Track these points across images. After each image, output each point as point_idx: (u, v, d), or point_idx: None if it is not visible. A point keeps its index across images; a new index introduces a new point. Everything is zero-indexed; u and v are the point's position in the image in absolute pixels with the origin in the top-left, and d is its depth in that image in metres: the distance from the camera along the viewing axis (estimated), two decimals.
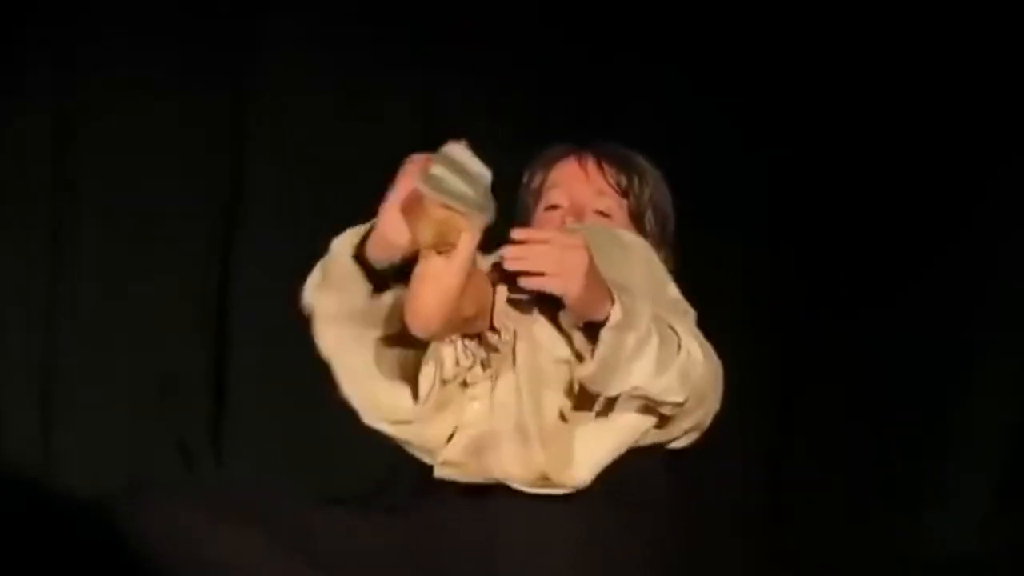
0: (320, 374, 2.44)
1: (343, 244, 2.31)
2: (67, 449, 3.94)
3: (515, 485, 2.24)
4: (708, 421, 2.34)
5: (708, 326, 2.39)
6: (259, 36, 4.05)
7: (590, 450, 2.26)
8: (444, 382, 2.28)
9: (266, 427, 4.00)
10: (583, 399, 2.24)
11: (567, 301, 2.16)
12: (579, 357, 2.21)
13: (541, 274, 2.14)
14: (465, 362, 2.26)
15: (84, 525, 2.91)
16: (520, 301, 2.20)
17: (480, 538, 2.26)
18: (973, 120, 3.90)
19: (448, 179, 2.08)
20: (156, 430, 4.01)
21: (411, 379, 2.31)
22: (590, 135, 2.66)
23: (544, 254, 2.15)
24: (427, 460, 2.30)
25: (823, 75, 3.96)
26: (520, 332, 2.22)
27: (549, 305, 2.20)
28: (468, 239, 2.09)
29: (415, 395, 2.29)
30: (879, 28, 3.94)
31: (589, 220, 2.53)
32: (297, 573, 2.30)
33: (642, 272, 2.35)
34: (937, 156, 3.92)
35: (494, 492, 2.26)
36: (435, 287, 2.11)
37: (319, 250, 2.40)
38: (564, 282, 2.15)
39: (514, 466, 2.24)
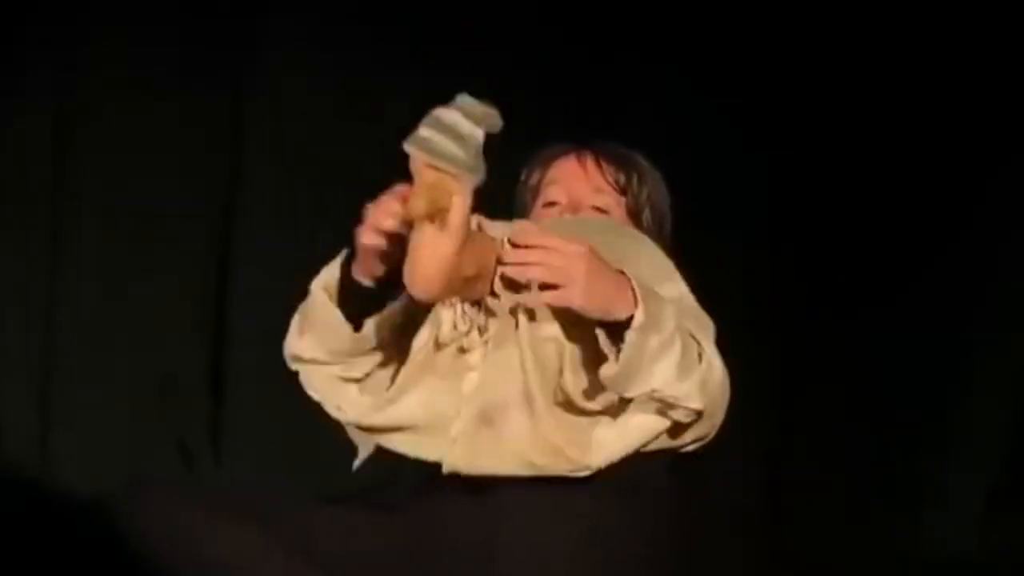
0: None
1: (319, 285, 2.33)
2: (66, 448, 3.94)
3: (522, 471, 2.23)
4: (714, 432, 2.34)
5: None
6: (259, 36, 4.05)
7: (608, 440, 2.26)
8: (440, 345, 2.27)
9: (265, 427, 4.00)
10: (589, 374, 2.24)
11: (574, 309, 2.17)
12: (601, 356, 2.21)
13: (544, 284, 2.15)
14: (463, 327, 2.26)
15: (83, 524, 2.91)
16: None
17: (480, 537, 2.26)
18: (973, 120, 3.90)
19: (436, 140, 2.08)
20: (155, 430, 4.01)
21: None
22: (590, 135, 2.67)
23: (545, 263, 2.14)
24: (432, 457, 2.29)
25: (823, 75, 3.96)
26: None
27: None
28: (459, 202, 2.09)
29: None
30: (879, 28, 3.94)
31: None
32: (297, 573, 2.30)
33: (649, 265, 2.35)
34: (937, 156, 3.92)
35: (494, 491, 2.25)
36: (432, 254, 2.11)
37: (319, 250, 2.40)
38: (567, 294, 2.15)
39: (522, 439, 2.23)
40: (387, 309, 2.28)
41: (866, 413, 3.96)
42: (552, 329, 2.24)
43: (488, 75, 3.99)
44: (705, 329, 2.31)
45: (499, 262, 2.18)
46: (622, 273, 2.19)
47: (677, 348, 2.19)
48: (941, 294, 3.93)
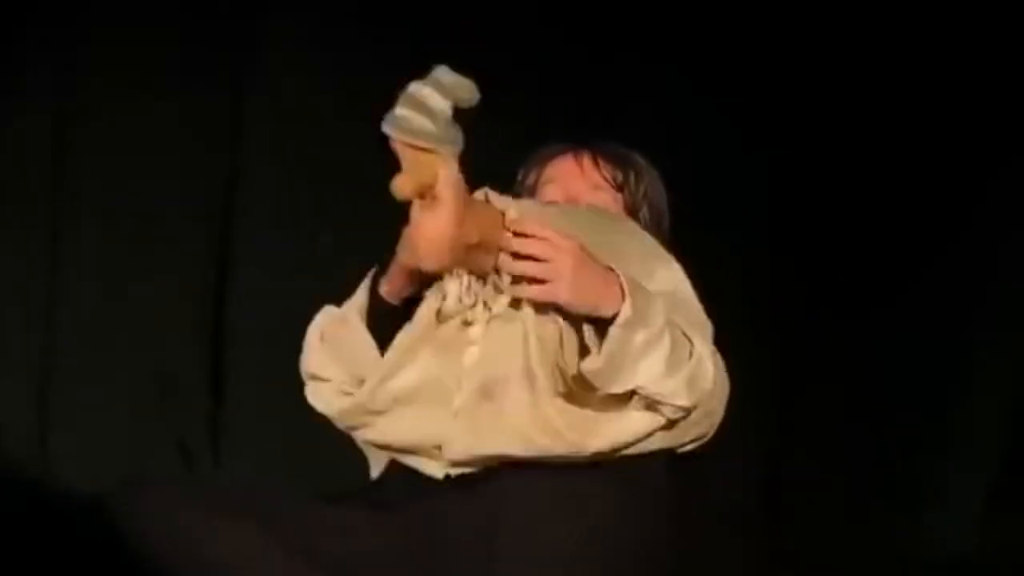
0: None
1: (353, 308, 2.33)
2: (66, 448, 3.94)
3: (522, 450, 2.23)
4: (713, 432, 2.34)
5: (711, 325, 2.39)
6: (259, 36, 4.05)
7: (608, 425, 2.25)
8: (443, 317, 2.28)
9: (265, 427, 3.99)
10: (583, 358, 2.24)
11: (565, 306, 2.17)
12: (586, 351, 2.21)
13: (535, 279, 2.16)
14: (467, 300, 2.26)
15: (83, 524, 2.91)
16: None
17: (480, 536, 2.26)
18: (973, 120, 3.90)
19: (408, 117, 2.09)
20: (155, 430, 4.00)
21: None
22: (590, 135, 2.67)
23: (536, 255, 2.14)
24: (433, 430, 2.28)
25: (823, 75, 3.96)
26: None
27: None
28: (444, 175, 2.10)
29: None
30: (879, 28, 3.94)
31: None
32: (297, 572, 2.30)
33: (643, 256, 2.36)
34: (937, 156, 3.92)
35: (493, 489, 2.25)
36: (432, 228, 2.13)
37: (318, 250, 2.41)
38: (554, 290, 2.16)
39: (522, 415, 2.23)
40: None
41: (866, 413, 3.96)
42: (556, 309, 2.25)
43: (488, 75, 3.99)
44: (699, 325, 2.31)
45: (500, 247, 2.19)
46: (611, 269, 2.20)
47: (666, 344, 2.20)
48: (941, 294, 3.93)
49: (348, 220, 3.85)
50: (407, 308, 2.31)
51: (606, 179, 2.57)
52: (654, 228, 2.56)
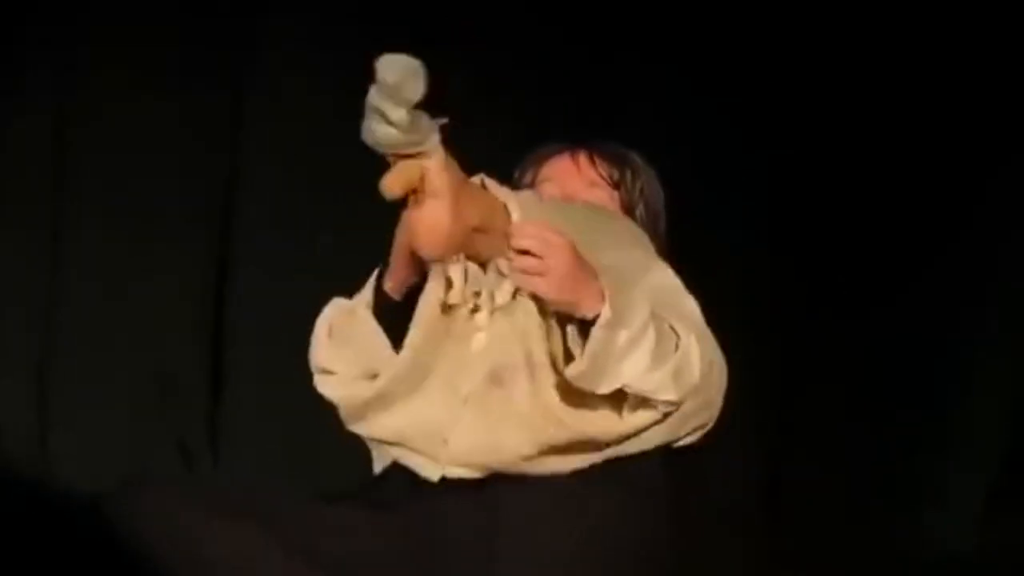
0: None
1: (361, 303, 2.33)
2: (66, 448, 3.94)
3: (528, 439, 2.23)
4: (712, 422, 2.34)
5: (708, 326, 2.39)
6: (259, 36, 4.04)
7: (612, 417, 2.26)
8: (447, 308, 2.28)
9: (265, 427, 3.99)
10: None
11: (546, 300, 2.18)
12: (570, 356, 2.22)
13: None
14: (472, 288, 2.27)
15: (83, 524, 2.90)
16: None
17: (480, 536, 2.26)
18: (973, 120, 3.90)
19: (375, 129, 2.08)
20: (154, 430, 4.00)
21: None
22: (590, 135, 2.67)
23: (531, 249, 2.15)
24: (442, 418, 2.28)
25: (823, 75, 3.96)
26: None
27: None
28: (431, 168, 2.10)
29: None
30: (879, 28, 3.94)
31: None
32: (297, 572, 2.30)
33: (636, 253, 2.36)
34: (937, 156, 3.92)
35: (493, 489, 2.26)
36: (431, 221, 2.14)
37: (318, 250, 2.41)
38: (539, 283, 2.17)
39: (527, 403, 2.23)
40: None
41: (866, 413, 3.96)
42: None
43: (488, 75, 4.00)
44: (689, 317, 2.31)
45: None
46: (595, 274, 2.21)
47: (650, 339, 2.20)
48: (941, 294, 3.93)
49: (348, 220, 3.85)
50: (411, 302, 2.31)
51: (602, 177, 2.58)
52: (650, 227, 2.56)
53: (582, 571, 2.24)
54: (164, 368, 4.02)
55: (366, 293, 2.36)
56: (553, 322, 2.24)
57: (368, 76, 2.18)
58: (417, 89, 2.06)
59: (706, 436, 2.36)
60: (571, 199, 2.55)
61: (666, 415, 2.28)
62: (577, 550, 2.23)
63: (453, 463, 2.29)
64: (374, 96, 2.07)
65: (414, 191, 2.12)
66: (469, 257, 2.24)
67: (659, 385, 2.22)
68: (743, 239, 3.98)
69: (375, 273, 2.37)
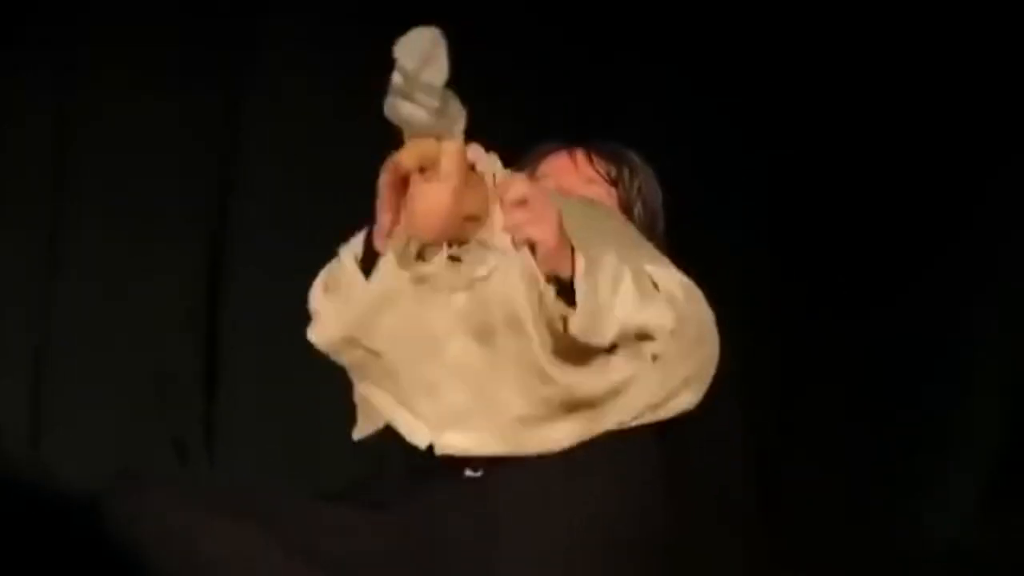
0: (315, 373, 2.44)
1: (347, 252, 2.33)
2: (61, 447, 3.93)
3: (518, 399, 2.23)
4: (708, 373, 2.32)
5: None
6: (259, 36, 4.04)
7: (600, 369, 2.25)
8: (419, 280, 2.26)
9: (261, 426, 3.99)
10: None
11: (544, 252, 2.16)
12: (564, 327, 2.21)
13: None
14: (446, 265, 2.26)
15: (80, 523, 2.90)
16: None
17: (478, 532, 2.26)
18: (973, 120, 3.90)
19: (401, 108, 2.10)
20: (151, 429, 3.99)
21: None
22: (590, 135, 2.67)
23: (523, 194, 2.17)
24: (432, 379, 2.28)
25: (823, 75, 3.96)
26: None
27: None
28: (448, 150, 2.11)
29: None
30: (879, 28, 3.94)
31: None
32: (296, 572, 2.29)
33: (617, 239, 2.36)
34: (937, 156, 3.92)
35: (489, 483, 2.25)
36: (432, 203, 2.15)
37: (316, 250, 2.40)
38: (539, 229, 2.16)
39: (515, 361, 2.23)
40: None
41: (866, 413, 3.96)
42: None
43: (488, 75, 4.00)
44: (657, 269, 2.30)
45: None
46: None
47: (628, 276, 2.20)
48: (941, 294, 3.93)
49: (348, 221, 3.85)
50: None
51: (600, 173, 2.58)
52: (648, 226, 2.56)
53: (581, 561, 2.23)
54: (161, 367, 4.02)
55: (352, 245, 2.35)
56: (539, 282, 2.24)
57: (367, 76, 2.18)
58: (441, 70, 2.07)
59: (704, 430, 2.35)
60: (568, 196, 2.55)
61: (655, 358, 2.26)
62: (575, 540, 2.24)
63: (445, 424, 2.28)
64: (401, 81, 2.08)
65: (422, 169, 2.12)
66: (453, 243, 2.25)
67: (655, 313, 2.21)
68: (743, 239, 3.98)
69: (363, 233, 2.36)
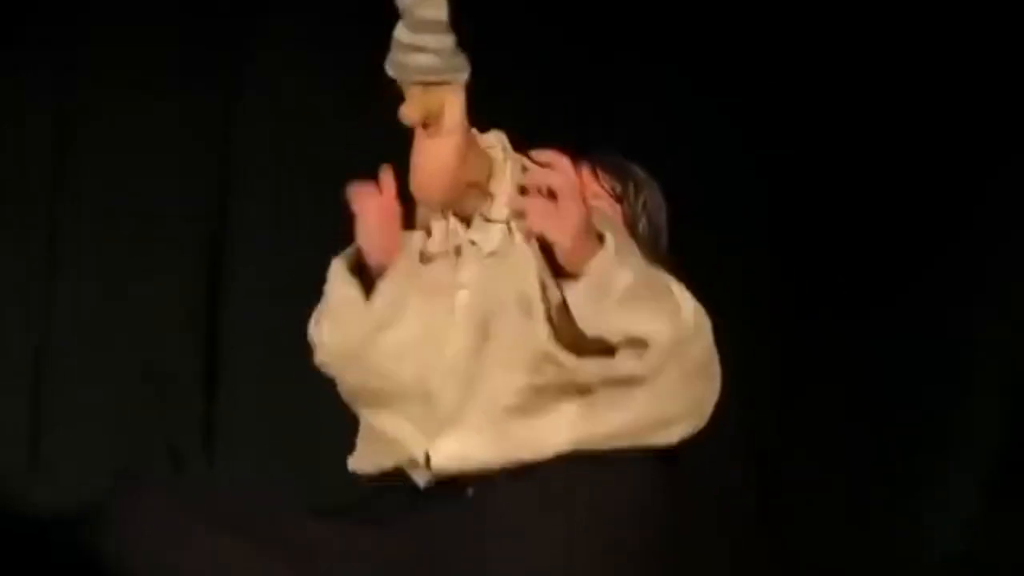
0: (314, 376, 2.44)
1: (338, 277, 2.35)
2: (59, 449, 3.93)
3: (523, 382, 2.23)
4: (705, 413, 2.32)
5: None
6: (258, 36, 4.04)
7: (599, 359, 2.25)
8: (426, 258, 2.28)
9: (260, 429, 3.98)
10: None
11: (559, 250, 2.18)
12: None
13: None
14: (453, 240, 2.28)
15: (77, 529, 2.89)
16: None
17: (472, 543, 2.25)
18: (973, 120, 3.90)
19: (408, 59, 2.11)
20: (149, 432, 3.98)
21: None
22: (590, 135, 2.67)
23: (556, 187, 2.17)
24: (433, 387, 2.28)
25: (823, 75, 3.96)
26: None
27: None
28: (451, 103, 2.14)
29: None
30: (879, 28, 3.94)
31: None
32: None
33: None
34: (937, 156, 3.92)
35: (480, 496, 2.25)
36: (434, 158, 2.16)
37: (314, 251, 2.41)
38: (560, 232, 2.18)
39: (521, 344, 2.23)
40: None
41: (866, 413, 3.95)
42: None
43: (488, 75, 3.99)
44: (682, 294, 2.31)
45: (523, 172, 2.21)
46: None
47: (645, 274, 2.22)
48: (941, 294, 3.93)
49: (344, 221, 3.85)
50: None
51: (605, 189, 2.57)
52: (651, 243, 2.55)
53: (577, 570, 2.23)
54: (160, 369, 4.02)
55: (340, 270, 2.37)
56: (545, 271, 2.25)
57: (368, 76, 2.19)
58: (440, 5, 2.09)
59: (702, 436, 2.35)
60: None
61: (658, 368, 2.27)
62: (572, 556, 2.23)
63: (438, 429, 2.28)
64: (402, 32, 2.08)
65: (426, 125, 2.14)
66: (455, 212, 2.26)
67: (654, 322, 2.22)
68: (743, 239, 3.97)
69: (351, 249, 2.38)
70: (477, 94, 2.21)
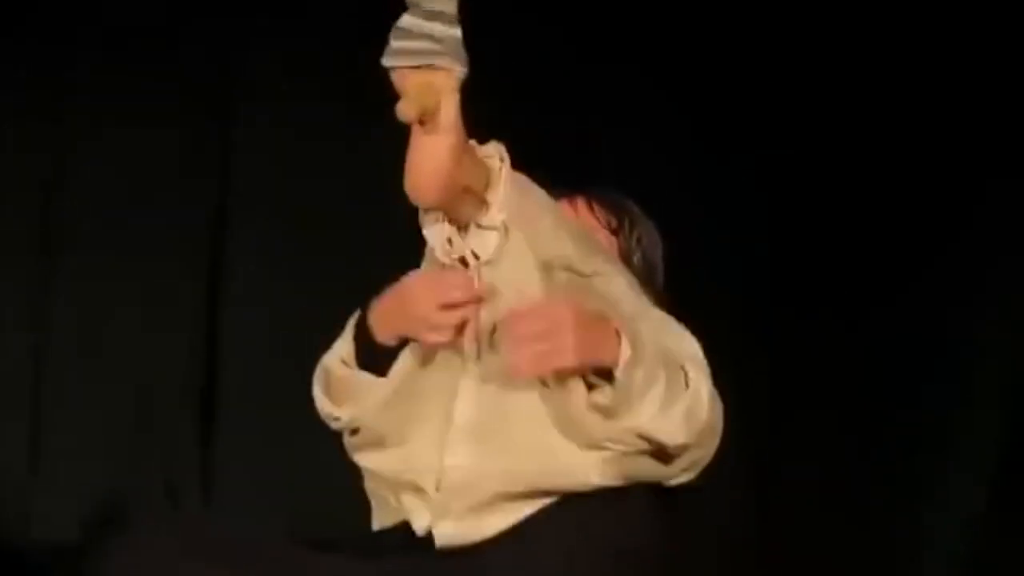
0: (313, 413, 2.45)
1: (334, 359, 2.35)
2: (53, 485, 3.92)
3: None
4: (707, 461, 2.34)
5: (707, 327, 2.39)
6: (258, 36, 4.04)
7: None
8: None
9: (256, 462, 3.96)
10: None
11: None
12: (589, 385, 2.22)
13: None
14: (453, 252, 2.27)
15: (71, 566, 2.89)
16: None
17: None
18: (972, 121, 3.90)
19: (410, 45, 2.12)
20: (144, 466, 3.96)
21: None
22: (590, 135, 2.67)
23: (540, 332, 2.16)
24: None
25: (822, 76, 3.96)
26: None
27: None
28: (447, 99, 2.14)
29: None
30: (879, 28, 3.94)
31: None
32: None
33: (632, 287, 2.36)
34: (937, 157, 3.92)
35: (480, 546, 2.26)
36: (429, 157, 2.16)
37: (315, 252, 2.41)
38: (560, 360, 2.18)
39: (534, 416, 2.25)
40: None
41: (866, 413, 3.95)
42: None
43: (488, 74, 3.99)
44: (693, 356, 2.31)
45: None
46: (604, 316, 2.22)
47: (661, 379, 2.21)
48: (941, 294, 3.93)
49: (346, 222, 3.86)
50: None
51: (600, 222, 2.58)
52: (645, 278, 2.55)
53: None
54: (155, 403, 4.00)
55: (343, 346, 2.36)
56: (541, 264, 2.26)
57: (366, 77, 2.19)
58: (450, 8, 2.11)
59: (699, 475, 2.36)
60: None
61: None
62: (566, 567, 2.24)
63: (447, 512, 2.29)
64: (411, 18, 2.11)
65: (423, 121, 2.14)
66: (451, 219, 2.26)
67: (671, 428, 2.23)
68: (743, 238, 3.98)
69: (351, 326, 2.37)
70: (477, 95, 2.21)
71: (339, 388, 2.37)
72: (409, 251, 2.37)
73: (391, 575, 2.29)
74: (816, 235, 4.00)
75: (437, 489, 2.29)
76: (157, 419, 3.99)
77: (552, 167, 2.37)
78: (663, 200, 2.69)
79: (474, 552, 2.26)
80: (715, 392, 2.29)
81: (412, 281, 2.29)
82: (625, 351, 2.18)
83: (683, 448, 2.26)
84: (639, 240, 2.57)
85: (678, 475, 2.32)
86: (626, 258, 2.56)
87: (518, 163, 2.32)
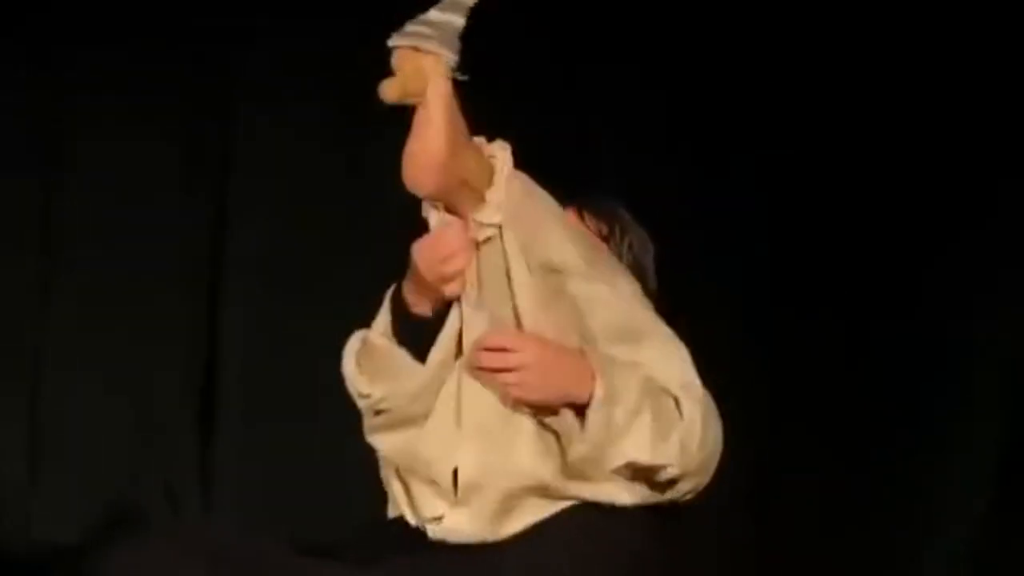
0: (312, 415, 2.45)
1: (377, 332, 2.36)
2: (55, 490, 3.92)
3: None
4: (708, 481, 2.35)
5: (707, 327, 2.39)
6: (257, 36, 4.04)
7: None
8: None
9: (256, 470, 3.96)
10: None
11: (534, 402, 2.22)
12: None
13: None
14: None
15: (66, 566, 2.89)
16: None
17: None
18: (973, 121, 3.90)
19: (413, 29, 2.19)
20: (145, 473, 3.96)
21: None
22: (590, 135, 2.67)
23: (508, 367, 2.22)
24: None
25: (823, 76, 3.96)
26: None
27: None
28: (435, 84, 2.17)
29: None
30: (879, 29, 3.94)
31: None
32: None
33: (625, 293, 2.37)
34: (937, 157, 3.92)
35: (486, 546, 2.26)
36: (423, 147, 2.20)
37: (314, 255, 2.41)
38: (526, 393, 2.23)
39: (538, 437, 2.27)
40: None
41: (866, 413, 3.96)
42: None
43: (488, 76, 3.99)
44: (687, 386, 2.32)
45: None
46: (580, 351, 2.24)
47: (647, 416, 2.21)
48: (941, 294, 3.93)
49: (345, 224, 3.86)
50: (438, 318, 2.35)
51: (591, 230, 2.59)
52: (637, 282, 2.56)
53: None
54: (155, 411, 4.00)
55: (382, 319, 2.37)
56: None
57: (366, 77, 2.20)
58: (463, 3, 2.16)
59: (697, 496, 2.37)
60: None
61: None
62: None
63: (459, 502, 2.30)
64: (432, 11, 2.17)
65: (413, 109, 2.15)
66: (448, 209, 2.27)
67: (665, 459, 2.24)
68: (742, 238, 3.98)
69: (387, 300, 2.37)
70: (477, 98, 2.22)
71: (376, 362, 2.37)
72: (409, 251, 2.37)
73: None
74: (816, 235, 4.00)
75: (453, 482, 2.29)
76: (157, 419, 3.99)
77: (552, 167, 2.37)
78: (663, 200, 2.70)
79: (481, 553, 2.26)
80: (712, 414, 2.30)
81: (418, 243, 2.33)
82: (598, 391, 2.20)
83: (680, 478, 2.27)
84: (630, 246, 2.59)
85: (682, 498, 2.35)
86: None
87: (518, 163, 2.33)
